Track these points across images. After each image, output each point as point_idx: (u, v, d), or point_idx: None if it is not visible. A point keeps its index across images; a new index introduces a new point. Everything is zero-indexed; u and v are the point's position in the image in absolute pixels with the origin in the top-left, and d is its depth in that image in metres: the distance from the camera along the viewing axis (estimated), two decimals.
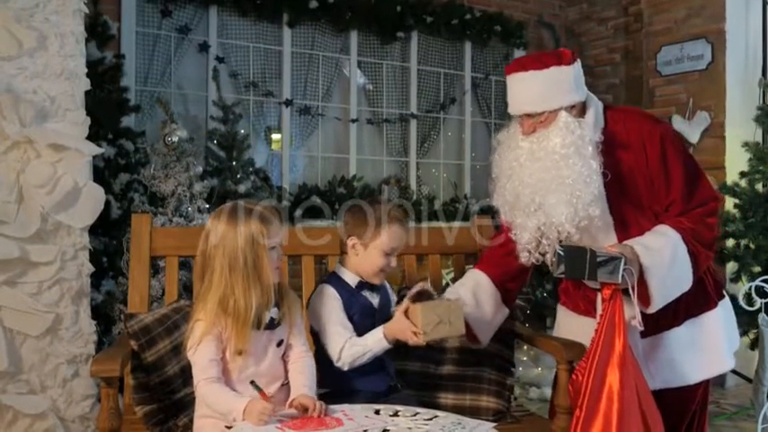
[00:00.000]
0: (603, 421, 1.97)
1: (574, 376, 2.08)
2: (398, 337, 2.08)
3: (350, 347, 2.09)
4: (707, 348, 2.27)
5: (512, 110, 2.23)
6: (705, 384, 2.35)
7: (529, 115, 2.17)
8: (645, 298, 2.07)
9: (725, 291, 2.44)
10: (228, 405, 1.84)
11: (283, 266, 2.10)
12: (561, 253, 2.05)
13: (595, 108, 2.22)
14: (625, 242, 2.12)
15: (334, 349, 2.10)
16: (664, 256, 2.08)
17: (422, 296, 2.11)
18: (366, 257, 2.17)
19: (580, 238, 2.14)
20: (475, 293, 2.35)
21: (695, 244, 2.14)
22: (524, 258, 2.23)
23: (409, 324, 2.05)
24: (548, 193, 2.12)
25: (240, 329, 1.88)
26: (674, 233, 2.13)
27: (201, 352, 1.89)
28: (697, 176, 2.24)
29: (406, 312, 2.07)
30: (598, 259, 2.00)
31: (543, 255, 2.21)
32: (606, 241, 2.19)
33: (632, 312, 2.05)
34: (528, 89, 2.16)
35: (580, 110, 2.19)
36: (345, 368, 2.10)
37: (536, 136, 2.16)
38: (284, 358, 2.03)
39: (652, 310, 2.09)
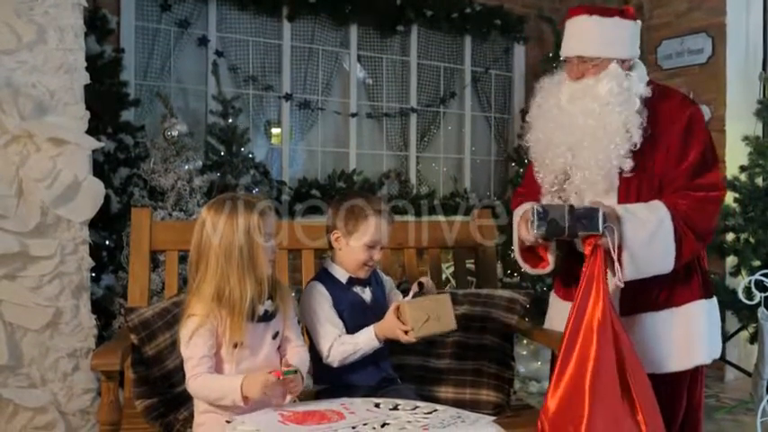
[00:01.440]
0: (576, 372, 1.98)
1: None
2: (389, 335, 2.08)
3: (339, 345, 2.09)
4: (682, 341, 2.25)
5: (567, 52, 2.27)
6: (694, 383, 2.32)
7: (581, 59, 2.23)
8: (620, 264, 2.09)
9: (729, 291, 2.44)
10: (224, 388, 1.84)
11: (279, 259, 2.09)
12: (540, 210, 2.06)
13: (641, 69, 2.28)
14: (614, 205, 2.15)
15: (323, 347, 2.10)
16: (646, 228, 2.10)
17: (421, 291, 2.11)
18: (349, 251, 2.16)
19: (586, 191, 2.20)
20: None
21: (684, 227, 2.14)
22: (546, 201, 2.29)
23: (398, 323, 2.04)
24: (585, 136, 2.18)
25: (235, 321, 1.88)
26: (664, 210, 2.14)
27: (193, 348, 1.89)
28: (711, 163, 2.26)
29: (397, 310, 2.06)
30: (576, 212, 2.03)
31: (561, 198, 2.27)
32: (606, 202, 2.21)
33: (614, 273, 2.06)
34: (589, 32, 2.23)
35: (628, 68, 2.25)
36: (335, 365, 2.10)
37: (583, 82, 2.22)
38: (280, 351, 2.04)
39: (624, 278, 2.09)
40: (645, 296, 2.19)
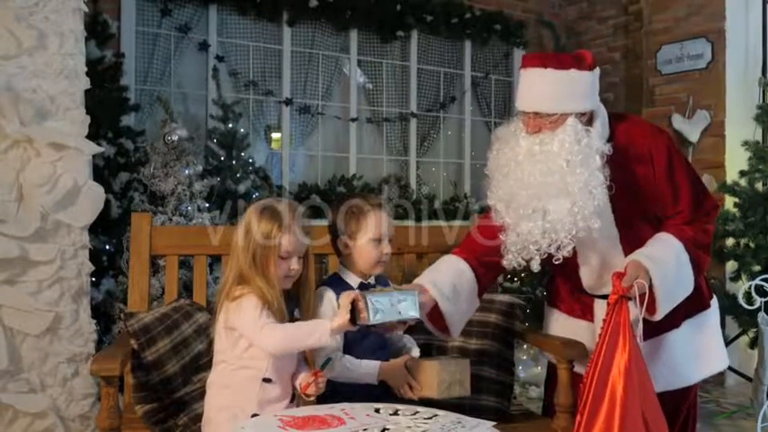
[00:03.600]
0: (605, 425, 1.97)
1: (581, 384, 2.06)
2: (391, 383, 2.08)
3: (337, 361, 2.09)
4: (705, 348, 2.29)
5: (521, 105, 2.14)
6: (698, 384, 2.37)
7: (537, 114, 2.10)
8: (650, 306, 2.06)
9: (729, 296, 2.47)
10: (310, 326, 1.90)
11: (310, 271, 2.07)
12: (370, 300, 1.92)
13: (602, 118, 2.17)
14: (632, 256, 2.09)
15: (321, 353, 2.09)
16: (669, 266, 2.08)
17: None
18: (358, 252, 2.16)
19: (579, 249, 2.15)
20: (455, 285, 2.26)
21: (696, 251, 2.15)
22: (507, 261, 2.17)
23: (409, 377, 2.04)
24: (549, 198, 2.06)
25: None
26: (676, 242, 2.13)
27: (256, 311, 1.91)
28: (701, 185, 2.25)
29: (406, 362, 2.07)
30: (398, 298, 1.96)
31: (527, 261, 2.13)
32: (613, 255, 2.19)
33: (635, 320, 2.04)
34: (543, 87, 2.09)
35: (588, 119, 2.14)
36: (327, 377, 2.09)
37: (540, 137, 2.09)
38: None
39: (657, 317, 2.09)
40: (665, 318, 2.16)
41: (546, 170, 2.06)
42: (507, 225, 2.15)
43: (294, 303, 2.04)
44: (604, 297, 2.18)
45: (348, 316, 1.87)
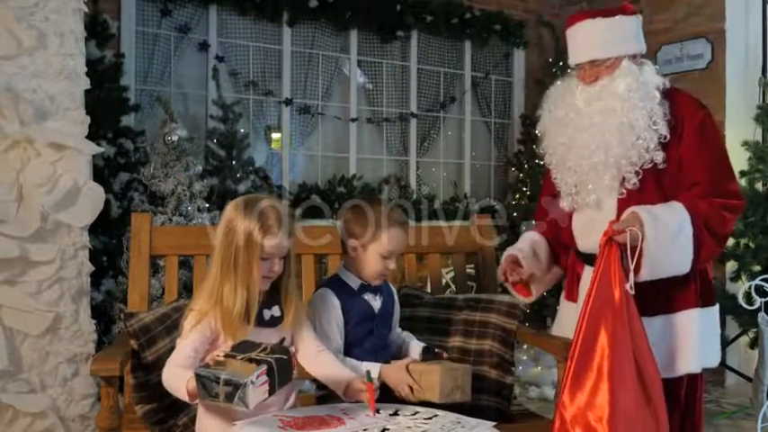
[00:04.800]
0: (596, 375, 1.96)
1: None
2: (392, 387, 2.07)
3: (340, 361, 2.09)
4: (672, 348, 2.26)
5: (576, 58, 2.30)
6: (689, 385, 2.33)
7: (593, 62, 2.25)
8: (635, 265, 2.08)
9: (729, 296, 2.45)
10: (181, 385, 1.78)
11: (292, 269, 2.02)
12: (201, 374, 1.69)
13: (650, 64, 2.31)
14: (634, 207, 2.13)
15: None
16: (667, 230, 2.09)
17: (433, 355, 2.14)
18: (365, 260, 2.15)
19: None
20: (533, 247, 2.51)
21: (703, 230, 2.14)
22: (567, 203, 2.33)
23: (410, 379, 2.04)
24: (611, 134, 2.18)
25: (229, 323, 1.86)
26: (685, 213, 2.13)
27: (187, 343, 1.87)
28: (728, 170, 2.27)
29: (407, 365, 2.06)
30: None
31: (584, 200, 2.28)
32: (607, 202, 2.25)
33: (626, 279, 2.05)
34: (596, 35, 2.25)
35: (639, 62, 2.28)
36: None
37: (599, 83, 2.24)
38: (296, 357, 2.02)
39: (637, 279, 2.08)
40: (641, 301, 2.17)
41: (606, 108, 2.20)
42: (566, 168, 2.30)
43: (274, 301, 1.98)
44: (590, 260, 2.26)
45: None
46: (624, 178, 2.22)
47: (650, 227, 2.06)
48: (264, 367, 1.68)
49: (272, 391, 1.71)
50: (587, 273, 2.35)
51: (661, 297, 2.23)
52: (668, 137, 2.19)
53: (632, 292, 2.05)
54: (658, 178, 2.23)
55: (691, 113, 2.24)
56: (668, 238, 2.08)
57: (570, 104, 2.29)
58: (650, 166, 2.20)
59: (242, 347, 1.75)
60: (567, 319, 2.40)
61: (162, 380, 1.88)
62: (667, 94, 2.26)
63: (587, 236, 2.34)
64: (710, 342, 2.35)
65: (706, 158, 2.21)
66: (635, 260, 2.04)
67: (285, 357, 1.75)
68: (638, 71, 2.23)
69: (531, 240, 2.55)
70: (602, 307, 2.01)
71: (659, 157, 2.18)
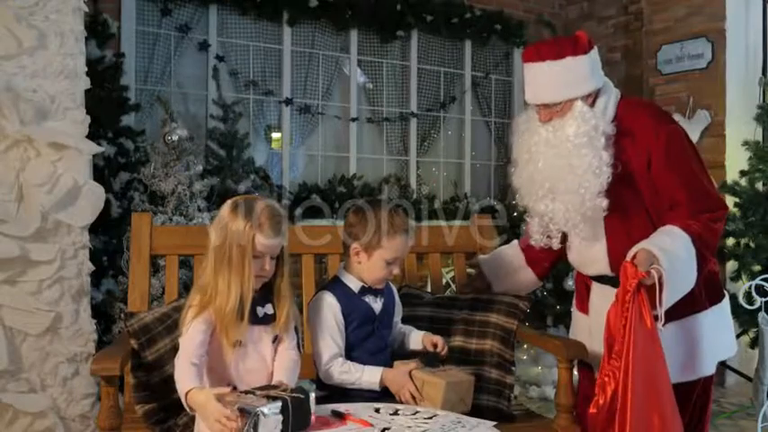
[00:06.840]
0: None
1: (606, 378, 2.04)
2: (393, 391, 2.08)
3: (341, 365, 2.10)
4: (688, 352, 2.25)
5: (529, 99, 2.28)
6: (703, 383, 2.34)
7: (546, 105, 2.22)
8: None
9: (726, 291, 2.43)
10: (182, 383, 1.85)
11: (285, 268, 2.05)
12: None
13: (607, 97, 2.24)
14: (638, 245, 2.08)
15: (323, 357, 2.11)
16: (680, 259, 2.07)
17: (435, 352, 2.16)
18: (369, 265, 2.15)
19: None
20: (499, 250, 2.65)
21: (703, 249, 2.13)
22: (534, 241, 2.34)
23: (413, 387, 2.05)
24: (558, 180, 2.18)
25: (225, 321, 1.90)
26: (684, 235, 2.11)
27: (190, 335, 1.91)
28: (704, 183, 2.21)
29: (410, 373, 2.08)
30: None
31: (550, 238, 2.30)
32: (594, 232, 2.25)
33: (656, 318, 2.03)
34: (545, 79, 2.20)
35: (594, 98, 2.23)
36: (328, 382, 2.12)
37: (552, 124, 2.21)
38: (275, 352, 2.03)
39: (660, 311, 2.07)
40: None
41: (557, 154, 2.18)
42: (528, 209, 2.33)
43: (268, 299, 2.00)
44: (599, 279, 2.33)
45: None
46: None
47: (665, 260, 2.03)
48: (279, 403, 1.69)
49: (285, 430, 1.70)
50: (597, 287, 2.38)
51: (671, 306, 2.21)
52: (606, 184, 2.15)
53: (663, 330, 2.04)
54: (630, 181, 2.21)
55: (653, 134, 2.17)
56: (681, 266, 2.07)
57: (531, 142, 2.26)
58: (620, 170, 2.17)
59: (263, 388, 1.80)
60: (582, 330, 2.45)
61: (174, 373, 1.92)
62: (625, 119, 2.21)
63: (591, 265, 2.35)
64: (725, 335, 2.36)
65: (679, 179, 2.16)
66: (662, 294, 2.01)
67: (302, 397, 1.76)
68: (591, 114, 2.17)
69: (498, 258, 2.64)
70: (647, 379, 1.98)
71: (603, 204, 2.15)
